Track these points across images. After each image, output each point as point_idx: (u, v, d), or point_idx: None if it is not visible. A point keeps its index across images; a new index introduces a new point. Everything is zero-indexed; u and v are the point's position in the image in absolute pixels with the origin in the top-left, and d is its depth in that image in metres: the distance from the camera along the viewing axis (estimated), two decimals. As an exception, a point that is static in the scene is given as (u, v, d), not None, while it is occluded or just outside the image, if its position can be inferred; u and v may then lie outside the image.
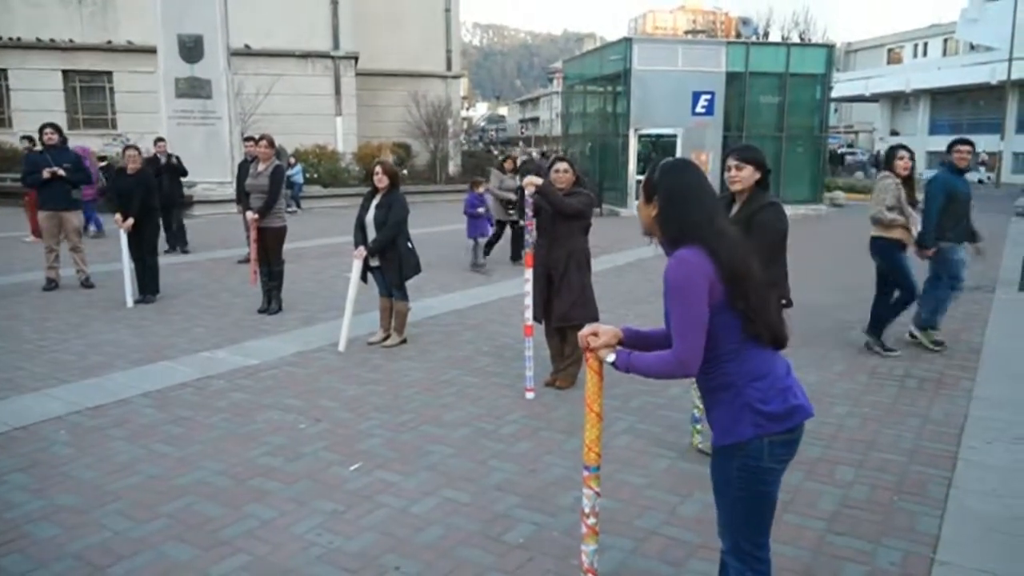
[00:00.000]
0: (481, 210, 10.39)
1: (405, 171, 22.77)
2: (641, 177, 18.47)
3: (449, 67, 29.86)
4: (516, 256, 10.71)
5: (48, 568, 3.01)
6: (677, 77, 19.06)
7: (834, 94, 22.79)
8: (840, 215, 19.92)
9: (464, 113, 42.31)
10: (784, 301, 3.82)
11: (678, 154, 18.99)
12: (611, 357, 2.20)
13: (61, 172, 8.31)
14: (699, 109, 19.22)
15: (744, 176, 3.68)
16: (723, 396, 2.15)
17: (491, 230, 10.67)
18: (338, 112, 25.49)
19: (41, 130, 8.65)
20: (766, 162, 3.84)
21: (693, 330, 2.05)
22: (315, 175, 21.65)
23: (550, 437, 4.43)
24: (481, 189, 10.63)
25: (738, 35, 27.20)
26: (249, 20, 21.28)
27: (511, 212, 10.58)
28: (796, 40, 29.76)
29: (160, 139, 12.53)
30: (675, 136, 19.26)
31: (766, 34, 37.36)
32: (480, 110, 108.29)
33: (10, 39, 23.26)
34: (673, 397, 5.01)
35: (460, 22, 31.72)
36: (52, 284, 8.57)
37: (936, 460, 4.13)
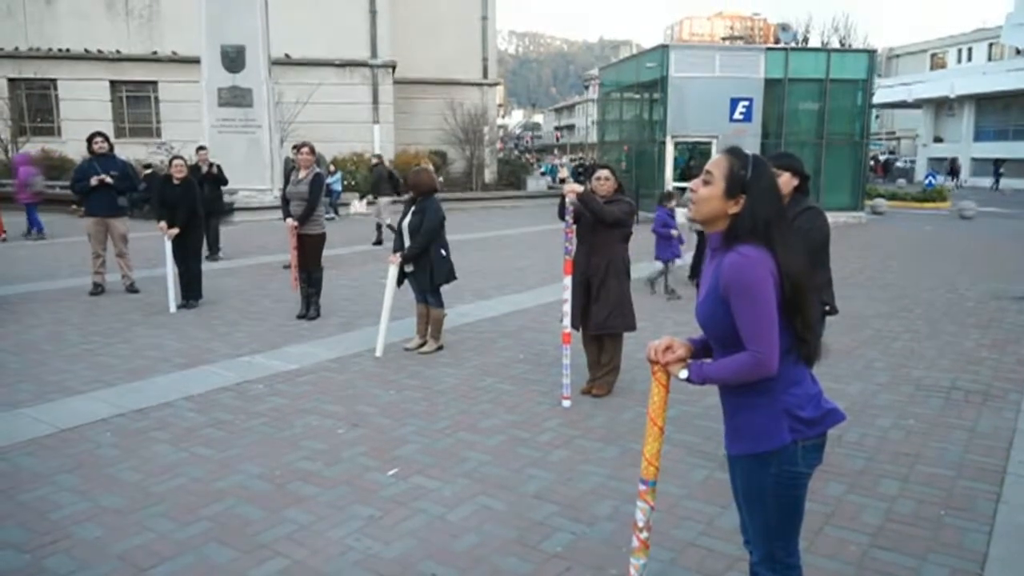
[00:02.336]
0: (675, 231, 9.09)
1: (441, 178, 22.90)
2: (679, 183, 18.48)
3: (485, 75, 30.05)
4: (694, 272, 9.47)
5: (92, 569, 3.06)
6: (714, 84, 18.90)
7: (876, 100, 22.40)
8: (881, 223, 19.56)
9: (500, 121, 42.45)
10: (828, 308, 3.76)
11: (715, 161, 18.81)
12: (684, 373, 2.16)
13: (108, 179, 8.53)
14: (737, 116, 19.03)
15: (781, 183, 3.63)
16: (758, 402, 2.12)
17: (683, 252, 9.32)
18: (375, 120, 25.78)
19: (90, 139, 8.88)
20: (804, 168, 3.79)
21: (769, 327, 2.02)
22: (353, 182, 21.88)
23: (587, 445, 4.40)
24: (673, 204, 9.36)
25: (777, 41, 26.92)
26: (289, 30, 21.65)
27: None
28: (836, 46, 29.37)
29: (202, 147, 12.82)
30: (711, 143, 19.09)
31: (805, 40, 36.95)
32: (516, 118, 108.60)
33: (59, 50, 23.99)
34: (709, 407, 4.94)
35: (496, 30, 31.89)
36: (98, 289, 8.78)
37: (984, 474, 4.02)
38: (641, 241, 5.54)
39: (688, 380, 2.17)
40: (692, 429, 4.60)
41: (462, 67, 29.04)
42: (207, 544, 3.26)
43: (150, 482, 3.87)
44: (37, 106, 24.51)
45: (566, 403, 5.04)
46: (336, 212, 18.69)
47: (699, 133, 19.14)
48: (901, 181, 38.36)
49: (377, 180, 13.91)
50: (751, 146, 18.88)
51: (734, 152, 2.14)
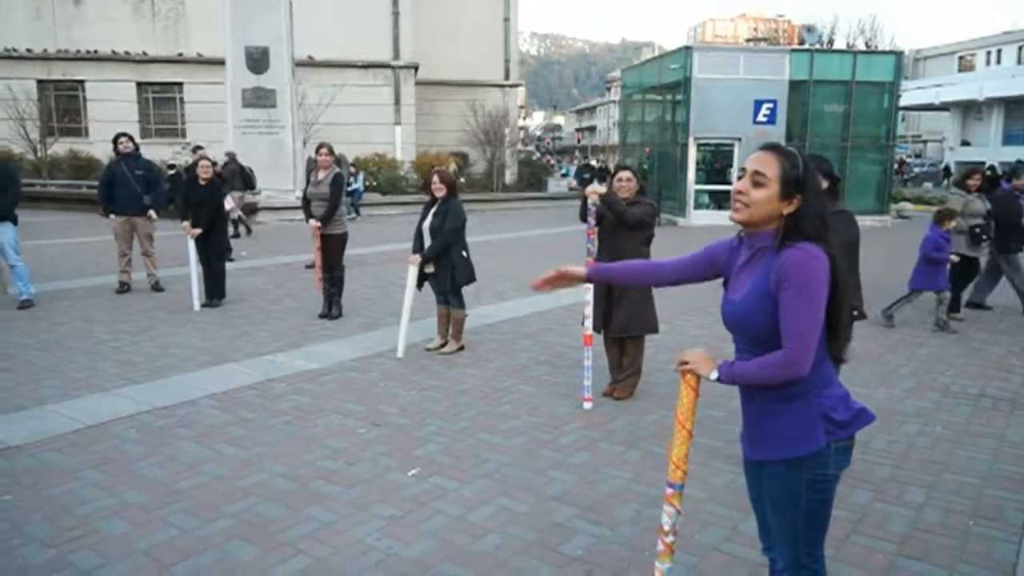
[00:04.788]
0: (954, 257, 7.69)
1: (462, 180, 22.96)
2: (701, 186, 18.36)
3: (507, 76, 30.10)
4: (955, 306, 8.09)
5: (116, 564, 3.09)
6: (738, 85, 18.80)
7: (902, 102, 22.09)
8: (907, 227, 19.31)
9: (521, 122, 42.46)
10: (856, 312, 3.71)
11: (736, 164, 18.73)
12: (714, 374, 2.13)
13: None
14: (760, 118, 18.92)
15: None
16: (794, 406, 2.08)
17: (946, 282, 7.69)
18: (397, 121, 25.91)
19: (116, 139, 8.99)
20: (833, 170, 3.74)
21: (813, 327, 1.99)
22: (374, 183, 21.99)
23: (608, 448, 4.38)
24: (952, 225, 7.64)
25: (801, 42, 26.67)
26: (313, 31, 21.80)
27: (984, 239, 8.07)
28: (862, 47, 29.06)
29: (230, 153, 12.98)
30: (734, 145, 18.98)
31: (831, 41, 36.60)
32: (536, 119, 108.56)
33: (87, 52, 24.35)
34: (733, 411, 4.87)
35: (518, 31, 31.93)
36: (124, 287, 8.88)
37: (1013, 484, 3.94)
38: (662, 243, 5.50)
39: (718, 380, 2.14)
40: (715, 433, 4.56)
41: (484, 68, 29.11)
42: (230, 541, 3.28)
43: (174, 479, 3.90)
44: (65, 107, 24.91)
45: (587, 405, 5.02)
46: (357, 212, 18.79)
47: (722, 135, 19.02)
48: (927, 185, 37.86)
49: (230, 176, 13.93)
50: (775, 148, 18.71)
51: (781, 150, 2.09)
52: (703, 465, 4.08)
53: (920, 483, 3.95)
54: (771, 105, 18.95)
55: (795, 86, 19.15)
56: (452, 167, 20.73)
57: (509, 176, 27.98)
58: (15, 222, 7.99)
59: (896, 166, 36.31)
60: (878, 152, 20.23)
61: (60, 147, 23.47)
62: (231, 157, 14.84)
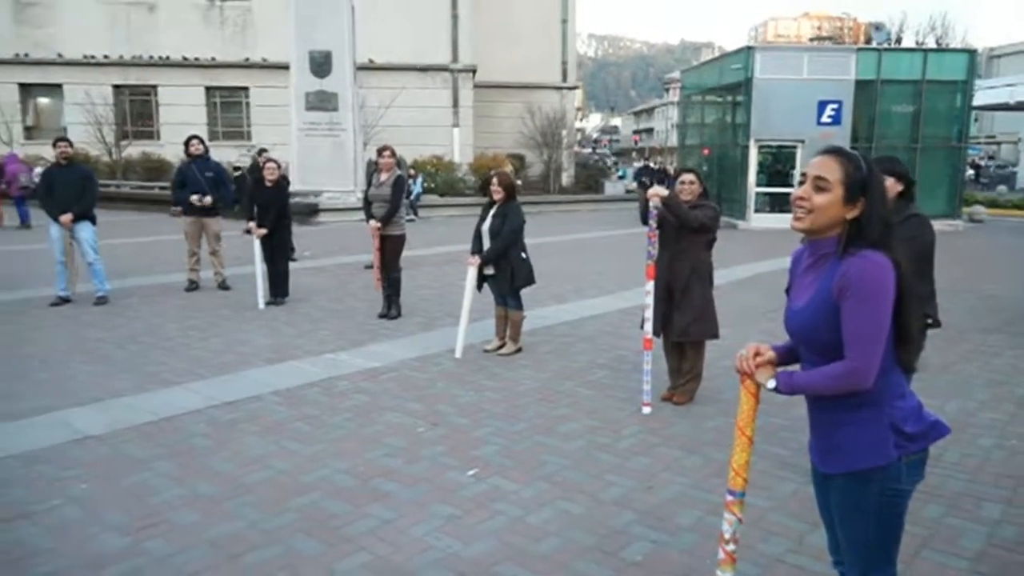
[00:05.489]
0: None
1: (519, 182, 23.01)
2: (762, 189, 17.99)
3: (564, 78, 30.04)
4: None
5: (187, 553, 3.19)
6: (802, 86, 18.35)
7: (975, 102, 21.25)
8: (980, 231, 18.60)
9: (578, 124, 42.34)
10: (930, 320, 3.59)
11: (799, 166, 18.30)
12: (772, 383, 2.09)
13: (207, 202, 9.04)
14: (825, 119, 18.43)
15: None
16: (864, 415, 2.02)
17: None
18: (455, 124, 26.11)
19: (187, 142, 9.31)
20: (908, 173, 3.63)
21: (877, 337, 1.93)
22: (432, 185, 22.22)
23: (668, 453, 4.33)
24: None
25: (868, 41, 25.97)
26: (374, 36, 22.13)
27: None
28: (932, 45, 28.11)
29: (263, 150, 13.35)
30: (796, 147, 18.55)
31: (899, 40, 35.48)
32: (593, 121, 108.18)
33: (160, 58, 25.23)
34: (797, 418, 4.78)
35: (576, 33, 31.84)
36: (193, 285, 9.18)
37: (1099, 502, 3.76)
38: (721, 247, 5.41)
39: (776, 390, 2.10)
40: (779, 441, 4.47)
41: (541, 70, 29.11)
42: (294, 535, 3.36)
43: (241, 472, 4.01)
44: (139, 111, 25.85)
45: (646, 410, 4.97)
46: (416, 214, 19.00)
47: (784, 137, 18.62)
48: (1002, 188, 36.35)
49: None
50: (840, 150, 18.22)
51: (843, 153, 2.03)
52: (768, 474, 4.00)
53: (995, 498, 3.79)
54: (836, 106, 18.44)
55: (862, 86, 18.61)
56: (508, 169, 20.80)
57: (566, 178, 27.90)
58: (94, 221, 8.37)
59: (973, 169, 34.94)
60: (949, 153, 19.52)
61: (133, 150, 24.37)
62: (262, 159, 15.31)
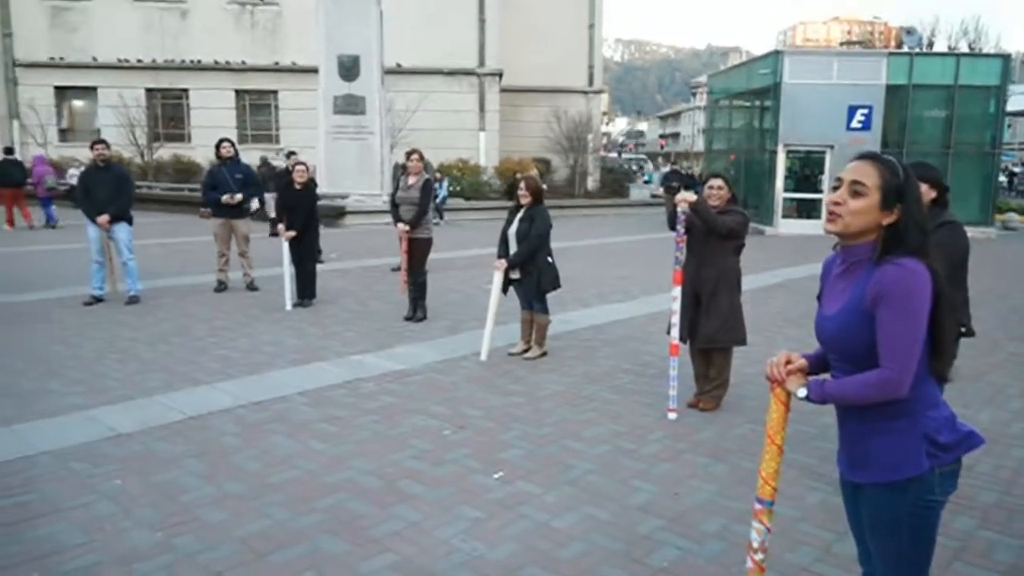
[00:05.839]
0: None
1: (544, 186, 23.02)
2: (789, 194, 17.80)
3: (591, 82, 30.04)
4: None
5: (216, 550, 3.23)
6: (831, 90, 18.17)
7: (1009, 107, 20.86)
8: (1014, 239, 18.27)
9: (603, 128, 42.27)
10: (964, 329, 3.53)
11: (828, 172, 18.11)
12: (803, 392, 2.07)
13: (237, 199, 9.17)
14: (855, 124, 18.22)
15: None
16: (897, 425, 2.00)
17: None
18: (481, 127, 26.23)
19: (218, 145, 9.45)
20: (942, 179, 3.58)
21: (913, 345, 1.91)
22: (458, 188, 22.30)
23: (694, 460, 4.31)
24: None
25: (899, 45, 25.64)
26: (401, 40, 22.31)
27: None
28: (964, 50, 27.69)
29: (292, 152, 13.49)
30: (825, 152, 18.35)
31: (931, 44, 34.96)
32: (619, 125, 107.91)
33: (192, 62, 25.62)
34: (825, 426, 4.74)
35: (603, 37, 31.81)
36: (222, 286, 9.31)
37: None
38: (747, 253, 5.37)
39: (807, 399, 2.08)
40: (807, 449, 4.42)
41: (568, 75, 29.13)
42: (321, 535, 3.38)
43: (268, 472, 4.05)
44: (170, 114, 26.29)
45: (672, 416, 4.95)
46: (441, 217, 19.08)
47: (813, 142, 18.43)
48: (1036, 194, 35.63)
49: (271, 177, 14.22)
50: (869, 156, 17.98)
51: (880, 159, 2.01)
52: (795, 483, 3.96)
53: (1030, 511, 3.72)
54: (866, 111, 18.23)
55: (893, 91, 18.38)
56: (533, 172, 20.82)
57: (591, 182, 27.90)
58: (130, 222, 8.53)
59: (1007, 176, 34.30)
60: (982, 160, 19.20)
61: (164, 152, 24.78)
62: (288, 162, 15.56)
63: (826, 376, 2.14)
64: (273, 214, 11.71)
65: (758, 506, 2.25)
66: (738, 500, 3.75)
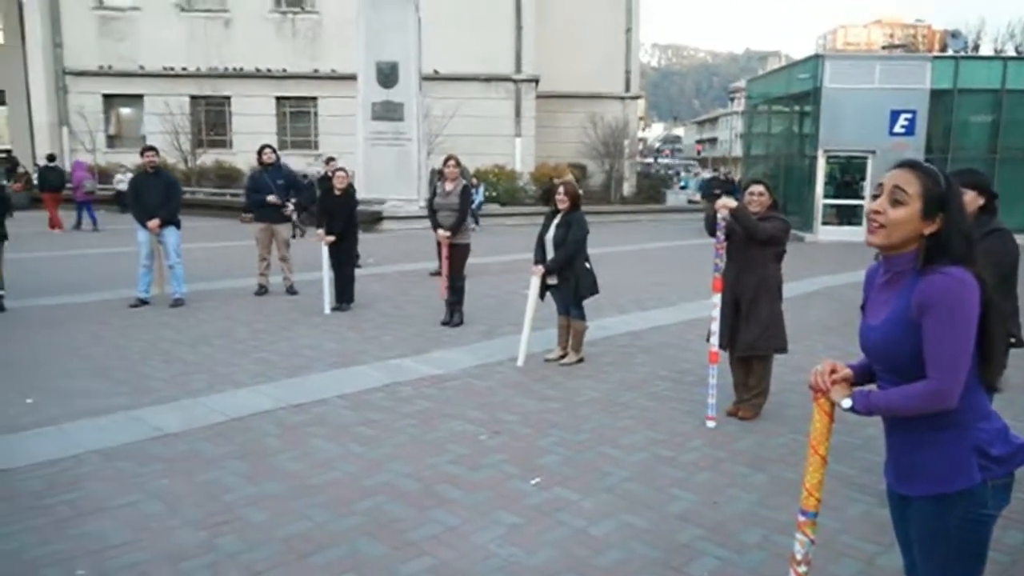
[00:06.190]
0: None
1: (580, 191, 22.98)
2: (830, 200, 17.52)
3: (627, 88, 29.97)
4: None
5: (258, 551, 3.28)
6: (873, 95, 17.86)
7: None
8: (1065, 247, 17.72)
9: (640, 134, 42.08)
10: (1014, 340, 3.45)
11: (870, 177, 17.79)
12: (847, 402, 2.03)
13: (278, 200, 9.33)
14: (898, 129, 17.89)
15: (966, 202, 3.37)
16: (946, 437, 1.95)
17: None
18: (517, 133, 26.29)
19: (260, 151, 9.62)
20: (990, 186, 3.51)
21: (962, 355, 1.87)
22: (494, 194, 22.37)
23: (733, 469, 4.26)
24: None
25: (943, 49, 25.12)
26: (439, 47, 22.47)
27: None
28: (1012, 53, 27.04)
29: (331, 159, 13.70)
30: (867, 158, 18.04)
31: (976, 47, 34.16)
32: (655, 131, 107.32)
33: (234, 69, 26.12)
34: (869, 437, 4.66)
35: (639, 43, 31.68)
36: (262, 290, 9.46)
37: None
38: (790, 260, 5.30)
39: (852, 410, 2.04)
40: (850, 460, 4.34)
41: (604, 80, 29.09)
42: (360, 538, 3.42)
43: (309, 473, 4.11)
44: (213, 121, 26.82)
45: (711, 424, 4.90)
46: (477, 222, 19.15)
47: (854, 147, 18.13)
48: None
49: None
50: (913, 161, 17.62)
51: (921, 167, 1.97)
52: (837, 494, 3.89)
53: (1084, 528, 3.61)
54: (909, 116, 17.88)
55: (937, 95, 18.01)
56: (569, 178, 20.80)
57: (627, 188, 27.78)
58: (178, 226, 8.74)
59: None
60: (1032, 165, 18.70)
61: (207, 158, 25.28)
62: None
63: (872, 387, 2.11)
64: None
65: (801, 518, 2.22)
66: (779, 511, 3.70)
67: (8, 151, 26.64)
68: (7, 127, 32.19)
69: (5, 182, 17.86)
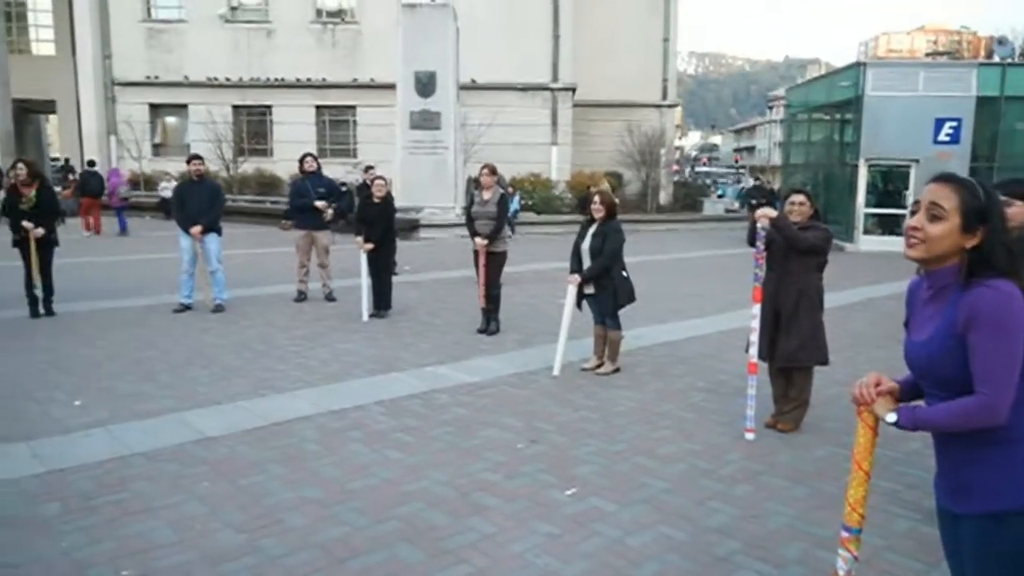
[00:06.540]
0: None
1: (616, 200, 22.91)
2: (870, 210, 17.21)
3: (664, 96, 29.86)
4: None
5: (298, 555, 3.33)
6: (917, 102, 17.54)
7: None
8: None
9: (676, 142, 41.84)
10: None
11: (912, 187, 17.46)
12: (892, 417, 2.00)
13: (322, 205, 9.49)
14: (942, 137, 17.53)
15: (1015, 213, 3.31)
16: (995, 453, 1.90)
17: None
18: (553, 142, 26.32)
19: (302, 159, 9.78)
20: (1042, 197, 3.43)
21: (1011, 369, 1.83)
22: (529, 202, 22.42)
23: (773, 483, 4.20)
24: None
25: (990, 56, 24.58)
26: (476, 56, 22.64)
27: None
28: (1063, 59, 26.33)
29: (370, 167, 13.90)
30: (910, 167, 17.71)
31: (1023, 54, 33.34)
32: (692, 139, 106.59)
33: (275, 79, 26.58)
34: (912, 452, 4.57)
35: (677, 51, 31.54)
36: (302, 296, 9.60)
37: None
38: (830, 270, 5.22)
39: (896, 424, 2.01)
40: (893, 475, 4.26)
41: (641, 89, 29.02)
42: (398, 543, 3.45)
43: (347, 479, 4.15)
44: (255, 130, 27.31)
45: (749, 436, 4.85)
46: (513, 231, 19.20)
47: (897, 156, 17.82)
48: None
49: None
50: (958, 170, 17.18)
51: (958, 180, 1.94)
52: (880, 510, 3.82)
53: None
54: (954, 124, 17.52)
55: (983, 103, 17.61)
56: (604, 186, 20.75)
57: (663, 197, 27.63)
58: (220, 233, 8.91)
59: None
60: (1083, 175, 18.19)
61: (248, 166, 25.75)
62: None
63: (919, 403, 2.07)
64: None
65: (845, 534, 2.19)
66: (820, 526, 3.64)
67: (66, 159, 27.56)
68: (58, 136, 33.20)
69: (59, 188, 18.44)
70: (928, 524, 3.69)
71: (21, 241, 8.25)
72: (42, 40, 32.61)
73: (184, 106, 26.94)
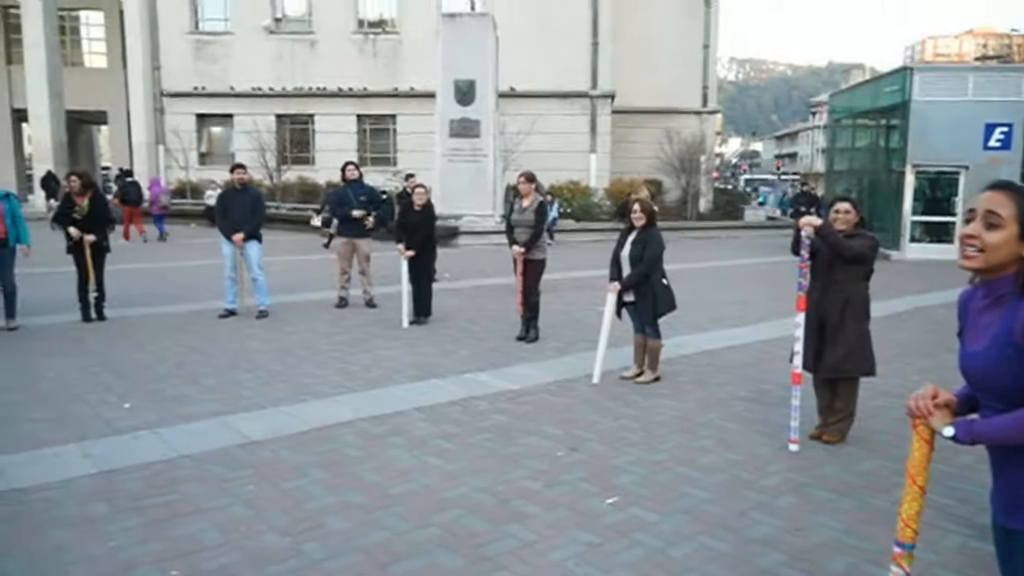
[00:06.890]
0: None
1: (656, 208, 22.75)
2: (917, 217, 16.80)
3: (704, 103, 29.60)
4: None
5: (340, 559, 3.36)
6: (966, 108, 17.10)
7: None
8: None
9: (716, 149, 41.42)
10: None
11: (962, 193, 17.03)
12: (949, 431, 1.95)
13: (362, 214, 9.60)
14: (993, 143, 17.07)
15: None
16: None
17: None
18: (592, 149, 26.25)
19: (344, 167, 9.93)
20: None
21: None
22: (568, 210, 22.38)
23: (817, 495, 4.13)
24: None
25: (1044, 58, 23.89)
26: (515, 64, 22.71)
27: None
28: (1122, 61, 25.47)
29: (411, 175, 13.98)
30: (959, 173, 17.27)
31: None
32: (732, 146, 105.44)
33: (318, 88, 27.00)
34: (964, 466, 4.44)
35: (717, 57, 31.26)
36: (343, 302, 9.72)
37: None
38: (876, 278, 5.11)
39: (954, 439, 1.96)
40: (943, 490, 4.15)
41: (681, 96, 28.81)
42: (438, 549, 3.46)
43: (388, 484, 4.19)
44: (297, 139, 27.75)
45: (793, 447, 4.77)
46: (552, 238, 19.19)
47: (945, 162, 17.39)
48: None
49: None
50: (1009, 176, 16.80)
51: (1014, 188, 1.91)
52: (931, 525, 3.70)
53: None
54: (1005, 129, 17.05)
55: (1036, 108, 17.12)
56: (644, 194, 20.62)
57: (703, 204, 27.36)
58: (260, 240, 9.07)
59: None
60: None
61: (291, 174, 26.16)
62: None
63: (974, 416, 2.02)
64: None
65: (897, 549, 2.14)
66: (867, 540, 3.57)
67: (125, 169, 28.54)
68: (109, 146, 34.12)
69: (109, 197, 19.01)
70: (980, 540, 3.59)
71: (74, 247, 8.52)
72: (95, 53, 33.70)
73: (229, 116, 27.49)
